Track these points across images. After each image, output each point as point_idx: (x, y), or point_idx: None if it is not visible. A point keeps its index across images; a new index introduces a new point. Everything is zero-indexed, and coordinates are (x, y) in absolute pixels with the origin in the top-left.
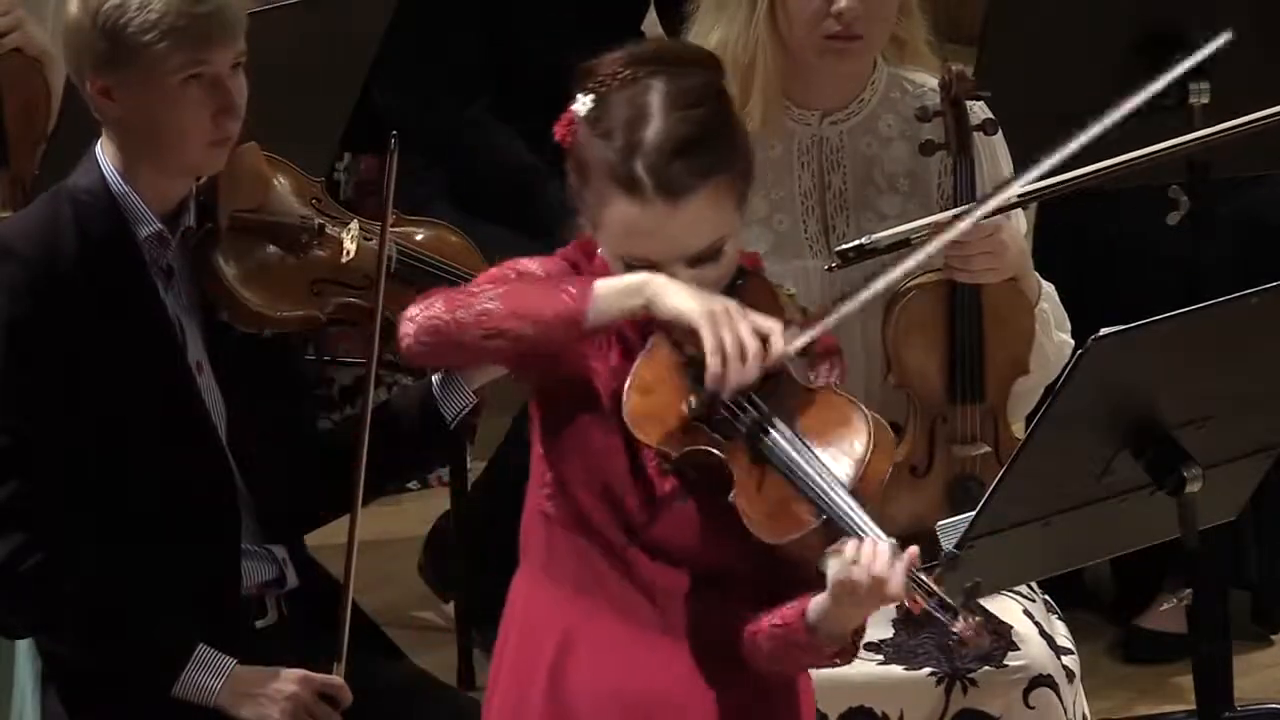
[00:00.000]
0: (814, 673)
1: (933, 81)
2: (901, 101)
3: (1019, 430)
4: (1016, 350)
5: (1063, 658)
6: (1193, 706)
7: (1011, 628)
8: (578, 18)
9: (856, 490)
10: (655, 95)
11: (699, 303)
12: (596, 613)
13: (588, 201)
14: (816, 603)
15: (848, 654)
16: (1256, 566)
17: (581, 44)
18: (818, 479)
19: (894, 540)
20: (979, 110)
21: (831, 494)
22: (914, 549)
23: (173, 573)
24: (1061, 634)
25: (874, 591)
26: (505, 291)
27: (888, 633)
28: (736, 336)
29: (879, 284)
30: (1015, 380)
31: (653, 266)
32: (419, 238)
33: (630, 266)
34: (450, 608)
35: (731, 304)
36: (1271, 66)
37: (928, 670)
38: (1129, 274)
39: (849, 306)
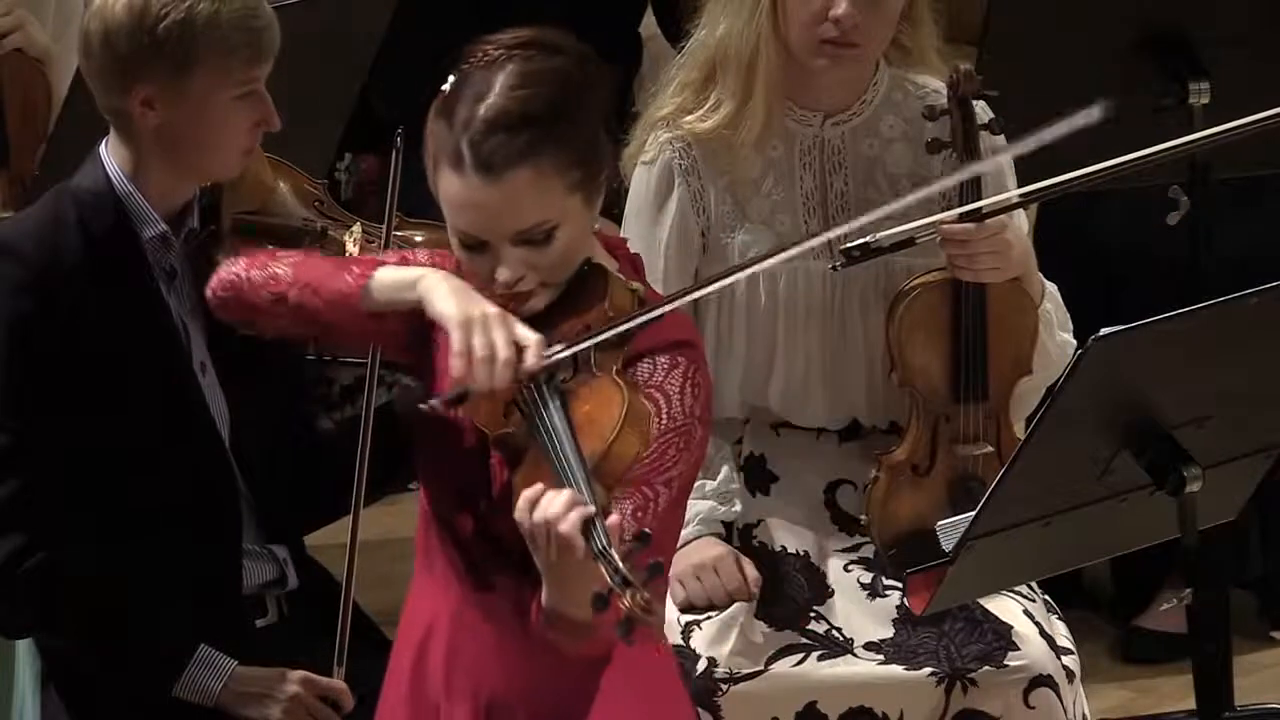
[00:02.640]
0: (814, 673)
1: (936, 83)
2: (904, 103)
3: (1020, 430)
4: (1020, 350)
5: (1063, 658)
6: (1193, 706)
7: (1011, 628)
8: (577, 18)
9: (598, 468)
10: (503, 75)
11: (459, 307)
12: (462, 604)
13: (430, 178)
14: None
15: (593, 646)
16: (1263, 565)
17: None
18: (564, 451)
19: (588, 504)
20: (981, 110)
21: (570, 466)
22: (613, 518)
23: (174, 572)
24: (1061, 634)
25: (549, 538)
26: (299, 260)
27: (888, 633)
28: (488, 341)
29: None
30: (1018, 380)
31: (482, 244)
32: (421, 239)
33: (465, 245)
34: None
35: (494, 312)
36: (1271, 66)
37: (928, 670)
38: (1129, 274)
39: (610, 332)
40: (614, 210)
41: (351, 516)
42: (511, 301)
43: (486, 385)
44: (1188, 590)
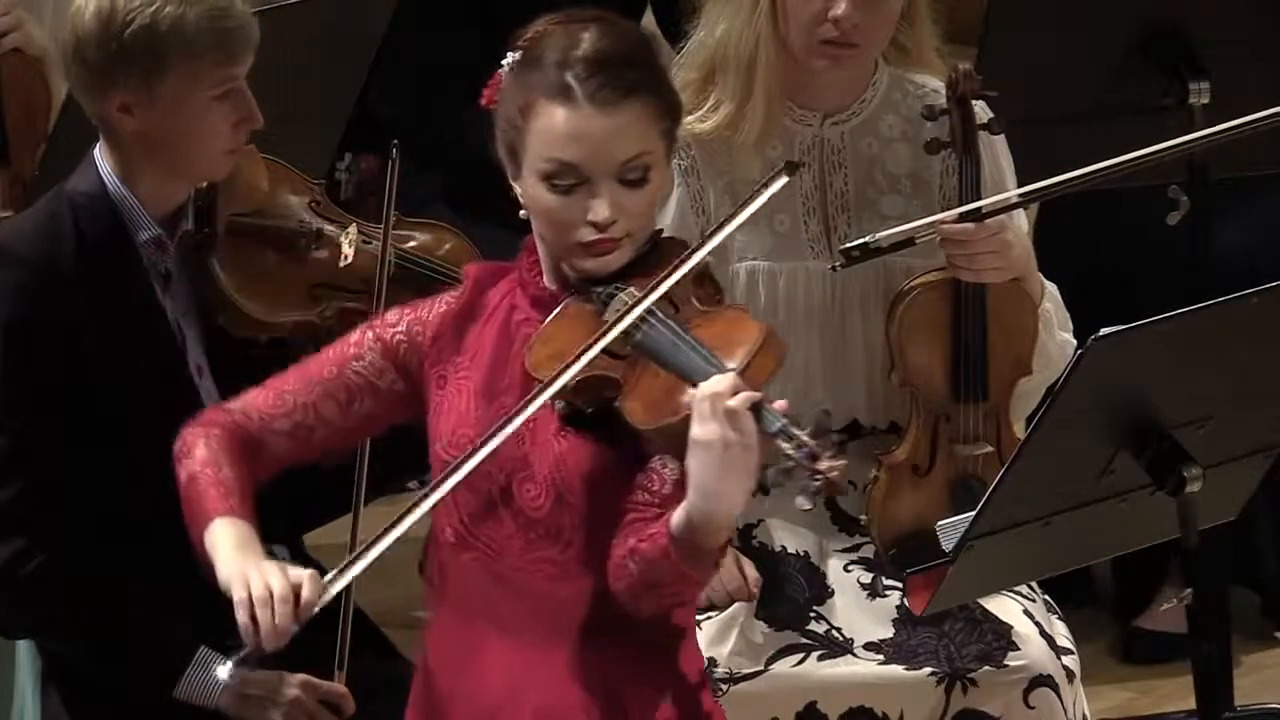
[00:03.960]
0: (814, 672)
1: (935, 83)
2: (904, 103)
3: (1020, 430)
4: (1020, 350)
5: (1063, 658)
6: (1193, 706)
7: (1011, 628)
8: None
9: (742, 375)
10: (587, 31)
11: (234, 565)
12: (483, 633)
13: (510, 134)
14: (681, 506)
15: (705, 578)
16: (1276, 563)
17: None
18: (702, 364)
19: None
20: (981, 110)
21: (711, 366)
22: (782, 403)
23: (173, 574)
24: (1061, 634)
25: (717, 410)
26: (188, 479)
27: (888, 632)
28: (264, 584)
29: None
30: (1018, 380)
31: (579, 182)
32: (418, 240)
33: (556, 185)
34: None
35: (268, 563)
36: (1271, 66)
37: (928, 670)
38: (1129, 274)
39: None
40: None
41: (351, 517)
42: (597, 250)
43: (271, 627)
44: (1188, 590)
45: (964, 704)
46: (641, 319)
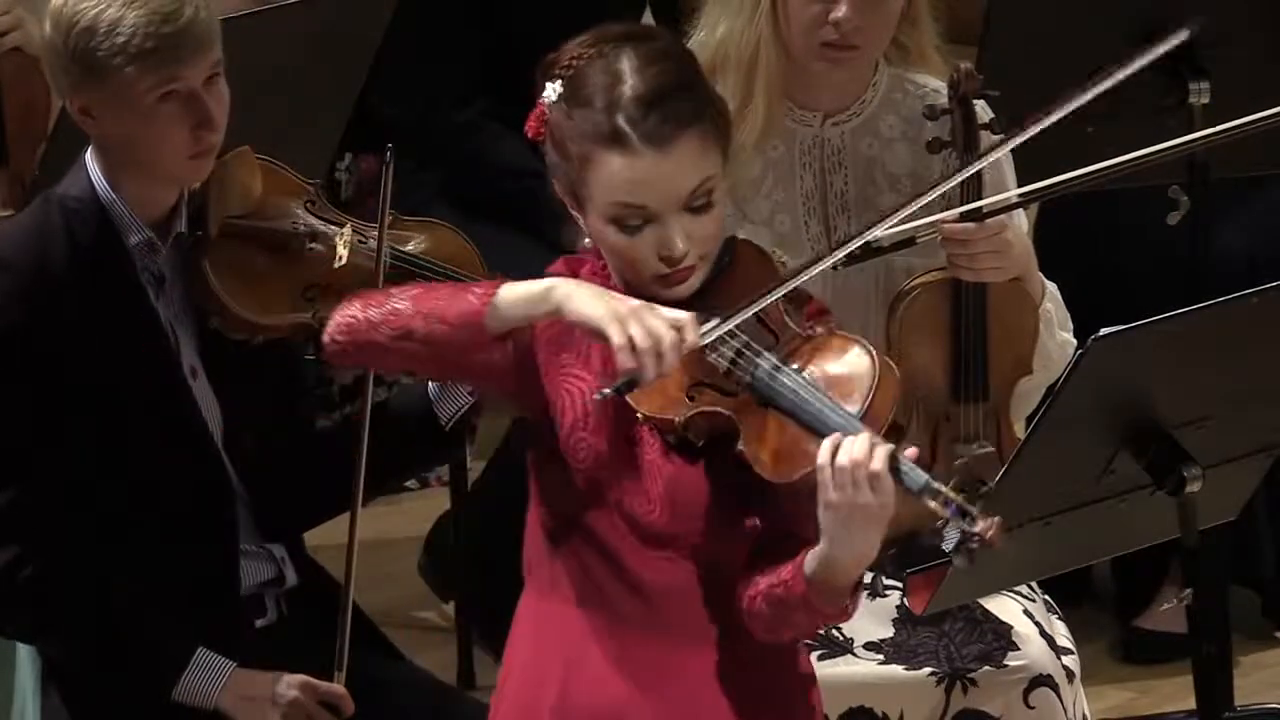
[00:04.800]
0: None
1: (935, 82)
2: (904, 102)
3: (1020, 430)
4: (1020, 350)
5: (1063, 658)
6: (1193, 706)
7: (1011, 628)
8: (576, 19)
9: (865, 420)
10: (625, 60)
11: (604, 306)
12: (599, 626)
13: (570, 176)
14: (814, 553)
15: (843, 614)
16: (1275, 564)
17: None
18: (825, 413)
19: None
20: (982, 110)
21: (840, 426)
22: (912, 450)
23: (171, 575)
24: (1061, 634)
25: (855, 481)
26: (417, 293)
27: (888, 632)
28: (646, 329)
29: (816, 266)
30: (1019, 380)
31: (647, 220)
32: (416, 240)
33: (624, 226)
34: (450, 608)
35: (637, 304)
36: (1271, 66)
37: (928, 670)
38: (1129, 274)
39: (764, 300)
40: None
41: (350, 517)
42: (671, 282)
43: (655, 371)
44: (1188, 590)
45: (964, 704)
46: (750, 362)
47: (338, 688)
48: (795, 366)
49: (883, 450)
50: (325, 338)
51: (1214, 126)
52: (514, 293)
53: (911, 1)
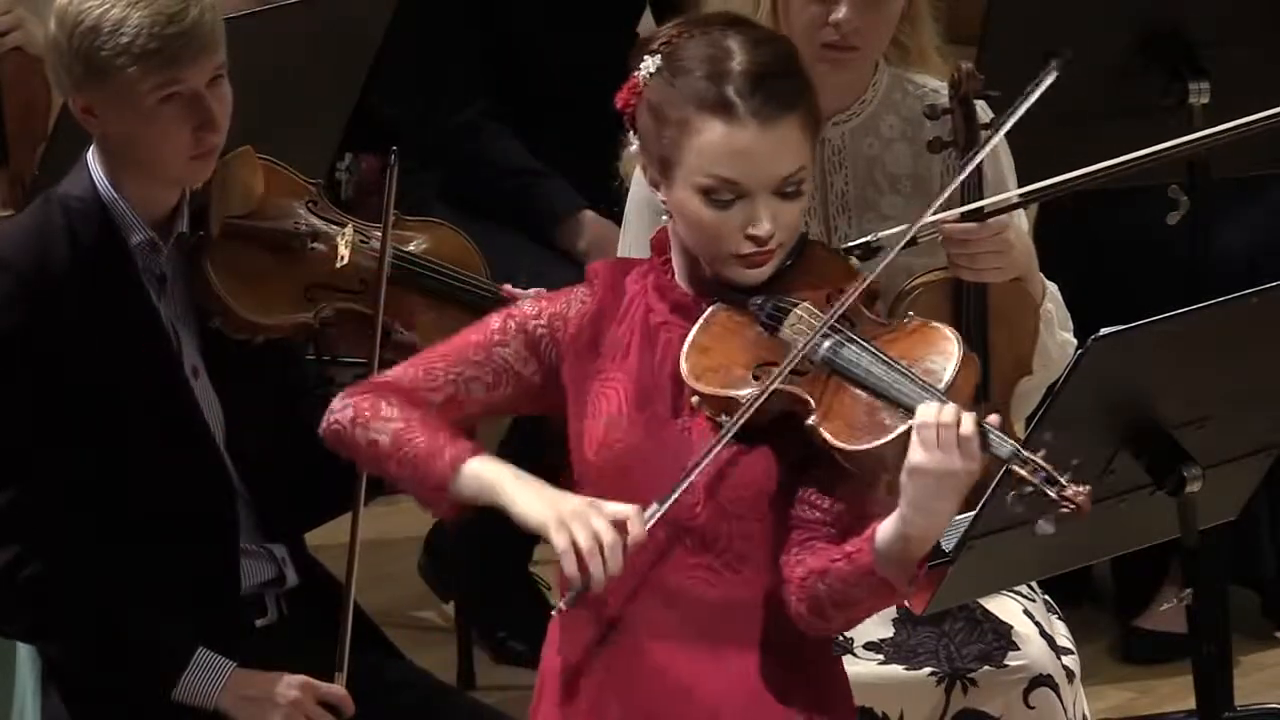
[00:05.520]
0: None
1: (935, 82)
2: (904, 102)
3: (1020, 430)
4: (1021, 350)
5: (1063, 658)
6: (1193, 706)
7: (1011, 628)
8: (575, 19)
9: (948, 394)
10: (732, 38)
11: (547, 509)
12: (635, 635)
13: (663, 143)
14: (886, 523)
15: (907, 590)
16: (1275, 564)
17: (579, 46)
18: (906, 385)
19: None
20: (982, 110)
21: (923, 397)
22: (995, 417)
23: (172, 574)
24: (1061, 634)
25: (947, 441)
26: (400, 429)
27: (888, 632)
28: (589, 532)
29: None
30: (1019, 380)
31: (738, 197)
32: (417, 239)
33: (715, 199)
34: (450, 608)
35: (580, 502)
36: (1271, 66)
37: (928, 670)
38: (1129, 274)
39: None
40: (614, 210)
41: (353, 518)
42: (753, 262)
43: (602, 575)
44: (1188, 590)
45: (964, 704)
46: (829, 336)
47: (338, 688)
48: (874, 345)
49: (970, 416)
50: (324, 426)
51: (1214, 126)
52: (474, 473)
53: (911, 2)
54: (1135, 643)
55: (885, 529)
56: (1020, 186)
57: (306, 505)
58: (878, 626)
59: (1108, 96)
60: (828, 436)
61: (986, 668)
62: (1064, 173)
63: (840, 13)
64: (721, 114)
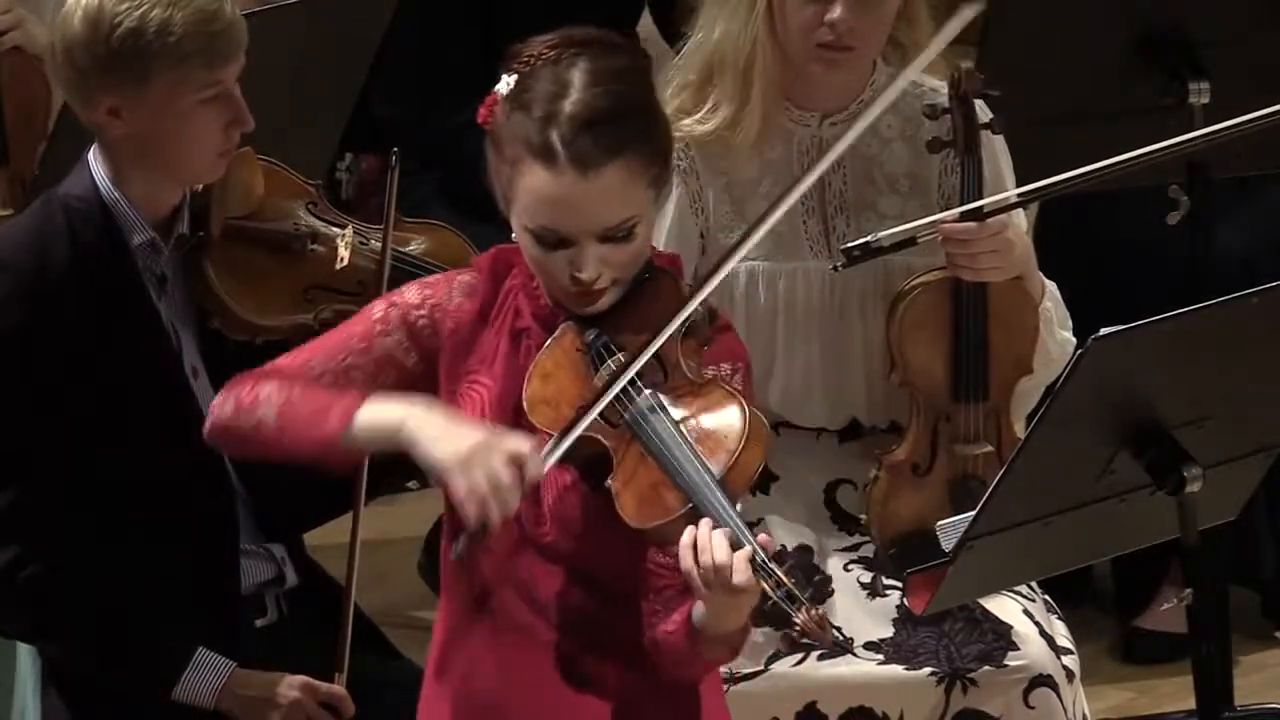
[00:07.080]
0: (814, 673)
1: (934, 82)
2: (902, 102)
3: (1020, 430)
4: (1021, 349)
5: (1063, 658)
6: (1193, 706)
7: (1011, 628)
8: (574, 20)
9: (724, 481)
10: (577, 72)
11: (449, 449)
12: (483, 629)
13: (503, 176)
14: (698, 606)
15: (734, 654)
16: (1275, 564)
17: None
18: (688, 467)
19: (747, 529)
20: (981, 110)
21: (699, 482)
22: (763, 537)
23: (171, 575)
24: (1061, 634)
25: (720, 582)
26: (282, 403)
27: (888, 632)
28: (489, 472)
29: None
30: (1019, 379)
31: (563, 240)
32: (417, 241)
33: (541, 241)
34: None
35: (481, 439)
36: (1271, 66)
37: (928, 670)
38: (1129, 274)
39: (668, 330)
40: None
41: (353, 518)
42: (582, 299)
43: (499, 515)
44: (1188, 590)
45: (964, 704)
46: (635, 388)
47: (338, 689)
48: (675, 410)
49: (743, 554)
50: (206, 429)
51: (1214, 126)
52: (368, 420)
53: (908, 1)
54: (1135, 643)
55: (697, 611)
56: (1020, 186)
57: (306, 505)
58: (878, 626)
59: (1108, 96)
60: (619, 506)
61: (986, 668)
62: (1064, 173)
63: (835, 13)
64: (543, 159)
